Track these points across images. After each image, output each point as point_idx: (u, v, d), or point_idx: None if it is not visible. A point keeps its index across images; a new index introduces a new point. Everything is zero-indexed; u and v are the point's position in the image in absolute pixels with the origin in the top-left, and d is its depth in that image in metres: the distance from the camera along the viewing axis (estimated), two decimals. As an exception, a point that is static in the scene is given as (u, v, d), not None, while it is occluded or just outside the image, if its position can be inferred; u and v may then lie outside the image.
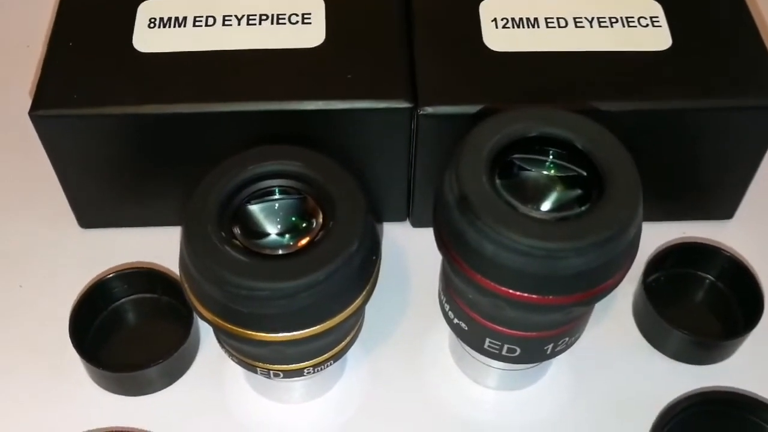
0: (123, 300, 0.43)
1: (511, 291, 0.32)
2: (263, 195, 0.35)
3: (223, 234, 0.33)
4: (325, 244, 0.33)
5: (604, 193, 0.32)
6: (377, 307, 0.42)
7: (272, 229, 0.34)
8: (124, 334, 0.42)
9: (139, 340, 0.42)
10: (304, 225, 0.34)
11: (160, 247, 0.44)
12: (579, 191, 0.33)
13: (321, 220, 0.34)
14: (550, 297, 0.32)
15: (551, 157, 0.34)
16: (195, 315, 0.41)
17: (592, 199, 0.33)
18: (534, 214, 0.32)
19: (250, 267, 0.32)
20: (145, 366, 0.39)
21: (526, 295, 0.32)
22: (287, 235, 0.34)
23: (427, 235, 0.35)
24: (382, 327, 0.43)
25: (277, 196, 0.35)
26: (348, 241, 0.33)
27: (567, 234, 0.31)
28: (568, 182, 0.34)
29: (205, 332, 0.42)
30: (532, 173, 0.34)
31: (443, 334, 0.43)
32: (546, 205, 0.33)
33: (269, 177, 0.35)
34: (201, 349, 0.42)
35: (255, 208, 0.34)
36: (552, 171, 0.34)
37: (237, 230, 0.34)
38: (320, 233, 0.33)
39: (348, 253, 0.32)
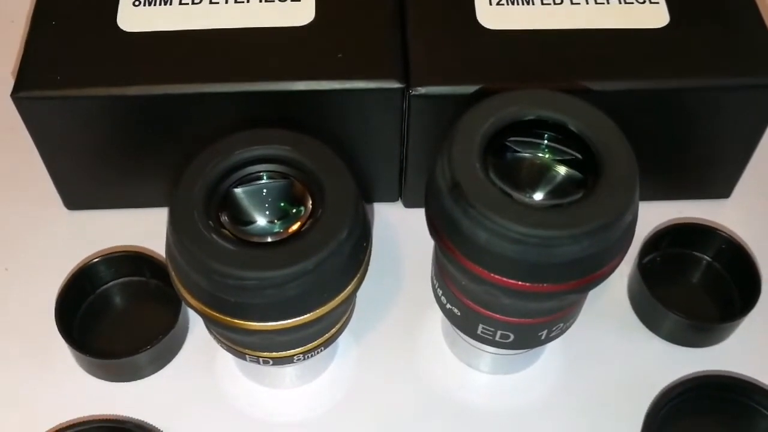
0: (110, 284, 0.42)
1: (504, 279, 0.32)
2: (251, 180, 0.34)
3: (209, 222, 0.32)
4: (314, 233, 0.32)
5: (600, 178, 0.31)
6: (369, 289, 0.41)
7: (260, 216, 0.34)
8: (112, 318, 0.42)
9: (127, 324, 0.41)
10: (293, 211, 0.33)
11: (148, 228, 0.43)
12: (574, 176, 0.33)
13: (310, 205, 0.33)
14: (544, 285, 0.32)
15: (546, 140, 0.33)
16: (184, 300, 0.41)
17: (587, 184, 0.32)
18: (528, 201, 0.32)
19: (237, 256, 0.31)
20: (133, 352, 0.39)
21: (519, 283, 0.32)
22: (276, 222, 0.33)
23: (420, 215, 0.34)
24: (373, 310, 0.43)
25: (265, 182, 0.34)
26: (338, 229, 0.32)
27: (562, 222, 0.30)
28: (563, 166, 0.33)
29: (194, 316, 0.42)
30: (527, 157, 0.33)
31: (436, 317, 0.42)
32: (541, 191, 0.33)
33: (257, 162, 0.34)
34: (190, 333, 0.42)
35: (242, 195, 0.34)
36: (547, 155, 0.33)
37: (224, 217, 0.33)
38: (309, 220, 0.33)
39: (337, 241, 0.32)
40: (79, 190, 0.44)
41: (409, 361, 0.41)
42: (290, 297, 0.32)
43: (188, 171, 0.33)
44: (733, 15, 0.42)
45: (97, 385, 0.40)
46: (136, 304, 0.42)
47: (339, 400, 0.40)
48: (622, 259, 0.33)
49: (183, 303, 0.40)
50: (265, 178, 0.34)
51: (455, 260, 0.32)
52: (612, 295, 0.43)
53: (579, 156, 0.33)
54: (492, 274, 0.32)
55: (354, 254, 0.33)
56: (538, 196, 0.32)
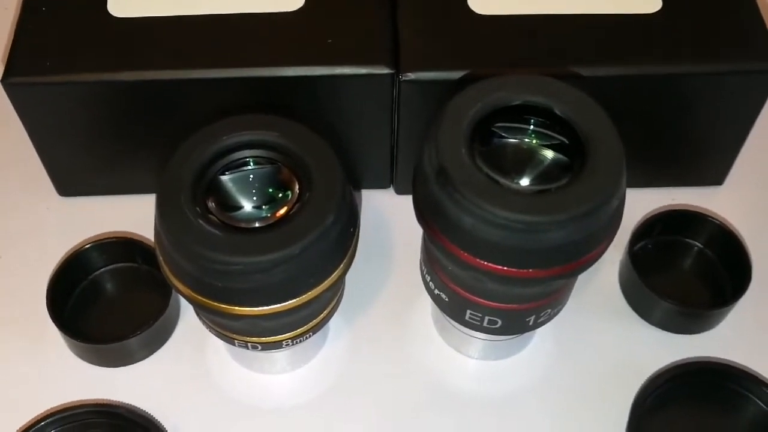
0: (102, 270, 0.42)
1: (491, 265, 0.32)
2: (238, 166, 0.34)
3: (197, 207, 0.32)
4: (301, 217, 0.32)
5: (586, 164, 0.31)
6: (359, 276, 0.42)
7: (247, 201, 0.34)
8: (104, 304, 0.42)
9: (119, 310, 0.42)
10: (280, 196, 0.34)
11: (140, 214, 0.43)
12: (560, 161, 0.33)
13: (297, 191, 0.33)
14: (531, 270, 0.32)
15: (533, 125, 0.33)
16: (174, 285, 0.41)
17: (574, 169, 0.32)
18: (514, 186, 0.32)
19: (224, 241, 0.31)
20: (124, 337, 0.39)
21: (506, 268, 0.32)
22: (263, 207, 0.33)
23: (411, 201, 0.34)
24: (364, 296, 0.43)
25: (252, 167, 0.34)
26: (324, 213, 0.32)
27: (547, 207, 0.30)
28: (549, 151, 0.33)
29: (185, 301, 0.42)
30: (513, 143, 0.33)
31: (426, 303, 0.42)
32: (527, 177, 0.32)
33: (244, 147, 0.34)
34: (181, 318, 0.42)
35: (229, 180, 0.34)
36: (534, 140, 0.33)
37: (211, 203, 0.33)
38: (296, 205, 0.33)
39: (324, 226, 0.32)
40: (72, 177, 0.44)
41: (399, 348, 0.41)
42: (277, 282, 0.32)
43: (175, 156, 0.33)
44: (726, 0, 0.41)
45: (88, 371, 0.40)
46: (128, 289, 0.42)
47: (329, 386, 0.40)
48: (608, 244, 0.33)
49: (174, 290, 0.40)
50: (252, 163, 0.34)
51: (442, 246, 0.32)
52: (603, 282, 0.43)
53: (565, 141, 0.33)
54: (478, 260, 0.32)
55: (341, 239, 0.33)
56: (525, 181, 0.32)
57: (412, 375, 0.41)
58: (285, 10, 0.41)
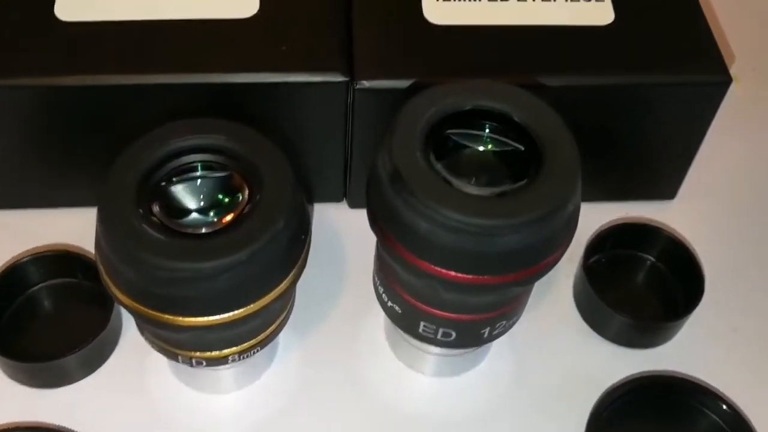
0: (40, 285, 0.40)
1: (445, 271, 0.31)
2: (185, 171, 0.33)
3: (140, 212, 0.31)
4: (250, 222, 0.31)
5: (542, 168, 0.31)
6: (311, 291, 0.41)
7: (194, 207, 0.32)
8: (41, 322, 0.40)
9: (56, 328, 0.40)
10: (228, 201, 0.32)
11: (80, 228, 0.41)
12: (516, 166, 0.32)
13: (246, 196, 0.32)
14: (485, 277, 0.31)
15: (488, 131, 0.33)
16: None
17: (529, 174, 0.31)
18: (469, 189, 0.31)
19: (168, 246, 0.30)
20: (60, 355, 0.37)
21: (460, 275, 0.31)
22: (210, 213, 0.32)
23: (365, 216, 0.34)
24: (315, 313, 0.41)
25: (199, 172, 0.33)
26: (274, 218, 0.31)
27: (503, 210, 0.30)
28: (505, 157, 0.33)
29: (127, 319, 0.40)
30: (469, 148, 0.33)
31: (379, 319, 0.41)
32: (482, 181, 0.32)
33: (191, 152, 0.33)
34: (123, 335, 0.40)
35: (176, 185, 0.32)
36: (489, 146, 0.33)
37: (156, 208, 0.32)
38: (245, 211, 0.31)
39: (274, 231, 0.31)
40: (6, 188, 0.42)
41: (351, 365, 0.40)
42: (223, 290, 0.30)
43: (120, 160, 0.32)
44: (677, 13, 0.42)
45: (23, 392, 0.38)
46: (67, 306, 0.40)
47: (277, 407, 0.39)
48: (563, 251, 0.32)
49: (115, 305, 0.39)
50: (199, 168, 0.33)
51: (396, 253, 0.31)
52: (557, 297, 0.43)
53: (521, 146, 0.32)
54: (432, 266, 0.31)
55: (291, 246, 0.32)
56: (480, 185, 0.31)
57: (365, 395, 0.39)
58: (239, 17, 0.40)
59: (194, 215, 0.32)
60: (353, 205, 0.45)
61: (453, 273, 0.31)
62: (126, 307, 0.32)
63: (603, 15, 0.41)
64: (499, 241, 0.30)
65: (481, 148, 0.33)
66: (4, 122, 0.39)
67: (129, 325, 0.40)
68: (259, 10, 0.40)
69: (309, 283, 0.39)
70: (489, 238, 0.30)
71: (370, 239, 0.36)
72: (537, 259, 0.31)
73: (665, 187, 0.46)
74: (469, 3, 0.41)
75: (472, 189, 0.31)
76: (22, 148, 0.40)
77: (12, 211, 0.43)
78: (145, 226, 0.30)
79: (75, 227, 0.42)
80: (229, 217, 0.32)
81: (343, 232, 0.44)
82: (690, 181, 0.45)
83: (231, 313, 0.31)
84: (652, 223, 0.44)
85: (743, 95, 0.51)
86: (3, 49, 0.38)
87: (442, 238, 0.30)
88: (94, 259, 0.39)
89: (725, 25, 0.54)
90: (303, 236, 0.33)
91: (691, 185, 0.46)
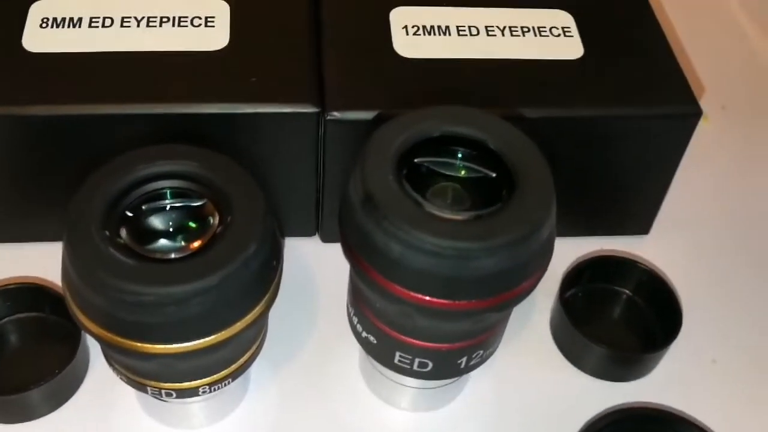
0: (5, 319, 0.39)
1: (419, 296, 0.30)
2: (154, 197, 0.32)
3: (107, 235, 0.30)
4: (220, 247, 0.30)
5: (516, 191, 0.31)
6: (283, 326, 0.40)
7: (163, 233, 0.32)
8: (7, 356, 0.39)
9: (21, 362, 0.38)
10: (198, 228, 0.32)
11: (47, 263, 0.40)
12: (489, 190, 0.32)
13: (217, 222, 0.32)
14: (461, 302, 0.30)
15: (460, 155, 0.33)
16: (83, 334, 0.38)
17: (503, 198, 0.31)
18: (443, 213, 0.31)
19: (135, 270, 0.29)
20: (25, 388, 0.36)
21: (436, 300, 0.30)
22: (180, 238, 0.32)
23: (338, 250, 0.33)
24: (288, 347, 0.41)
25: (168, 199, 0.32)
26: (245, 243, 0.30)
27: (478, 233, 0.29)
28: (478, 183, 0.32)
29: (94, 353, 0.39)
30: (441, 172, 0.32)
31: (353, 354, 0.40)
32: (456, 206, 0.32)
33: (161, 178, 0.32)
34: (91, 370, 0.39)
35: (145, 212, 0.32)
36: (462, 172, 0.33)
37: (125, 233, 0.31)
38: (215, 235, 0.31)
39: (245, 256, 0.30)
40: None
41: (325, 401, 0.39)
42: (193, 315, 0.30)
43: (87, 183, 0.31)
44: (645, 47, 0.42)
45: (-16, 428, 0.37)
46: (33, 341, 0.39)
47: (250, 443, 0.38)
48: (540, 277, 0.32)
49: (82, 337, 0.38)
50: (168, 194, 0.32)
51: (369, 278, 0.31)
52: (534, 331, 0.42)
53: (494, 171, 0.32)
54: (407, 291, 0.30)
55: (263, 272, 0.31)
56: (453, 209, 0.31)
57: (339, 430, 0.38)
58: (209, 49, 0.40)
59: (163, 241, 0.32)
60: (325, 239, 0.44)
61: (427, 297, 0.30)
62: (93, 334, 0.31)
63: (572, 50, 0.42)
64: (474, 265, 0.29)
65: (453, 172, 0.32)
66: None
67: (96, 360, 0.39)
68: (229, 43, 0.40)
69: (281, 318, 0.39)
70: (463, 260, 0.29)
71: (343, 273, 0.35)
72: (512, 284, 0.31)
73: (639, 222, 0.46)
74: (439, 37, 0.42)
75: (445, 213, 0.31)
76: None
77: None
78: (111, 249, 0.30)
79: (43, 261, 0.41)
80: (198, 243, 0.31)
81: (315, 267, 0.44)
82: (664, 215, 0.46)
83: (201, 340, 0.30)
84: (629, 257, 0.44)
85: (713, 132, 0.51)
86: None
87: (415, 261, 0.29)
88: (61, 292, 0.39)
89: (696, 63, 0.55)
90: (275, 262, 0.32)
91: (665, 220, 0.46)
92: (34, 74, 0.38)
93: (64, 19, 0.40)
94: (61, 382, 0.37)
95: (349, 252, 0.32)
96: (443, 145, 0.33)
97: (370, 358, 0.37)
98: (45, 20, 0.40)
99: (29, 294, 0.39)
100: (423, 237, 0.29)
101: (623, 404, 0.39)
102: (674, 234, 0.47)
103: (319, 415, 0.39)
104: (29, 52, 0.39)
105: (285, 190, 0.41)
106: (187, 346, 0.30)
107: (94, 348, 0.39)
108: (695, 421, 0.38)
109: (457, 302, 0.30)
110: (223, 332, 0.31)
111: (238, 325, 0.31)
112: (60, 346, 0.38)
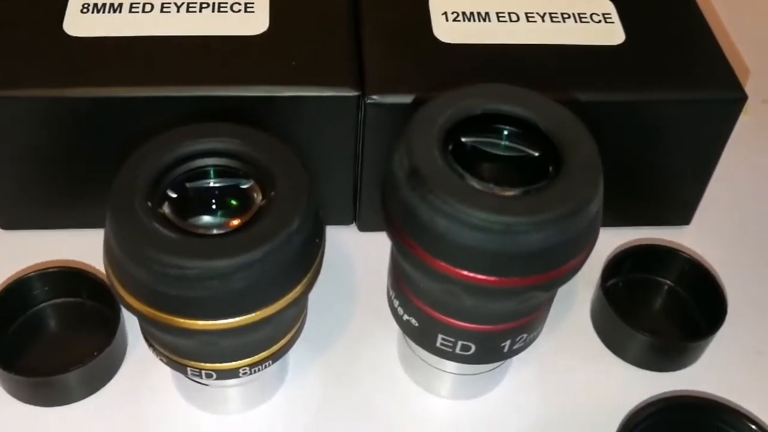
0: (44, 304, 0.39)
1: (465, 272, 0.30)
2: (198, 173, 0.32)
3: (151, 211, 0.30)
4: (264, 223, 0.30)
5: (563, 167, 0.30)
6: (322, 314, 0.39)
7: (207, 209, 0.32)
8: (44, 340, 0.38)
9: (60, 346, 0.38)
10: (241, 205, 0.32)
11: (89, 249, 0.40)
12: (536, 167, 0.31)
13: (260, 198, 0.31)
14: (508, 279, 0.30)
15: (507, 132, 0.32)
16: (122, 319, 0.38)
17: (549, 175, 0.31)
18: (490, 189, 0.30)
19: (179, 244, 0.29)
20: (62, 371, 0.35)
21: (481, 276, 0.30)
22: (222, 214, 0.31)
23: (376, 239, 0.33)
24: (327, 334, 0.40)
25: (213, 176, 0.32)
26: (288, 219, 0.30)
27: (526, 208, 0.29)
28: (524, 160, 0.32)
29: (132, 338, 0.39)
30: (487, 148, 0.32)
31: (391, 342, 0.40)
32: (502, 182, 0.31)
33: (205, 155, 0.32)
34: (128, 355, 0.39)
35: (189, 188, 0.32)
36: (508, 146, 0.32)
37: (168, 208, 0.31)
38: (259, 212, 0.31)
39: (288, 231, 0.30)
40: (17, 208, 0.42)
41: (364, 389, 0.39)
42: (236, 290, 0.29)
43: (132, 158, 0.31)
44: (686, 34, 0.42)
45: (21, 410, 0.36)
46: (71, 326, 0.39)
47: (286, 430, 0.37)
48: (587, 255, 0.32)
49: (120, 323, 0.37)
50: (212, 171, 0.32)
51: (413, 255, 0.31)
52: (575, 320, 0.42)
53: (541, 147, 0.32)
54: (452, 267, 0.30)
55: (305, 249, 0.31)
56: (500, 185, 0.31)
57: (378, 418, 0.38)
58: (250, 34, 0.40)
59: (206, 217, 0.31)
60: (363, 228, 0.44)
61: (473, 274, 0.30)
62: (134, 310, 0.31)
63: (613, 36, 0.41)
64: (522, 240, 0.29)
65: (500, 149, 0.32)
66: (15, 136, 0.38)
67: (133, 348, 0.39)
68: (269, 28, 0.40)
69: (319, 305, 0.38)
70: (510, 236, 0.29)
71: (381, 262, 0.35)
72: (560, 262, 0.30)
73: (680, 212, 0.45)
74: (479, 23, 0.41)
75: (492, 188, 0.30)
76: (36, 165, 0.40)
77: (22, 231, 0.43)
78: (155, 224, 0.29)
79: (83, 248, 0.41)
80: (241, 220, 0.31)
81: (353, 255, 0.43)
82: (705, 205, 0.45)
83: (243, 317, 0.30)
84: (670, 246, 0.43)
85: (754, 126, 0.51)
86: (12, 62, 0.38)
87: (462, 236, 0.29)
88: (100, 277, 0.39)
89: (738, 56, 0.55)
90: (317, 240, 0.32)
91: (707, 210, 0.45)
92: (76, 58, 0.38)
93: (104, 5, 0.40)
94: (99, 366, 0.36)
95: (392, 229, 0.32)
96: (488, 122, 0.32)
97: (411, 344, 0.37)
98: (86, 5, 0.40)
99: (68, 279, 0.39)
100: (469, 211, 0.29)
101: (668, 392, 0.38)
102: (715, 225, 0.46)
103: (357, 403, 0.38)
104: (71, 36, 0.39)
105: (324, 177, 0.41)
106: (230, 323, 0.30)
107: (131, 334, 0.39)
108: (743, 410, 0.37)
109: (503, 279, 0.30)
110: (265, 309, 0.30)
111: (281, 303, 0.31)
112: (97, 332, 0.38)
